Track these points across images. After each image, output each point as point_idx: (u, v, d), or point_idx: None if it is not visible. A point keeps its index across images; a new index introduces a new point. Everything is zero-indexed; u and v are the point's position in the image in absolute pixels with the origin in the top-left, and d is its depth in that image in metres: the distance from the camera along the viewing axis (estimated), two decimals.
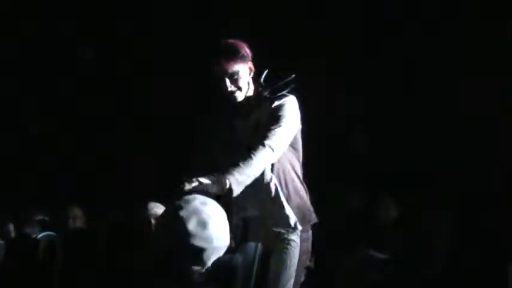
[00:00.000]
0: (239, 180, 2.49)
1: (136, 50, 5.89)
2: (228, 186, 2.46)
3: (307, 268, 2.91)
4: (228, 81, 2.70)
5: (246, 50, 2.76)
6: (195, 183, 2.40)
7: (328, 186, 5.09)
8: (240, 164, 2.52)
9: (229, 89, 2.71)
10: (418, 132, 5.30)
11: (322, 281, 4.54)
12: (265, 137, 2.64)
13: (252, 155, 2.56)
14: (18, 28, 5.85)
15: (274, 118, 2.72)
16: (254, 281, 2.48)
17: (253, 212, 2.75)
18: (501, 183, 4.86)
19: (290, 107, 2.77)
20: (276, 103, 2.75)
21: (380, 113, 5.45)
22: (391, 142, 5.36)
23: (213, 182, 2.43)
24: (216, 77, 2.71)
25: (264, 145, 2.60)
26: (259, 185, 2.70)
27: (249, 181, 2.55)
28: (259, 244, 2.55)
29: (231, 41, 2.77)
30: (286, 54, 5.06)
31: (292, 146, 2.83)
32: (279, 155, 2.69)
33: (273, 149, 2.62)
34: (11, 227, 4.90)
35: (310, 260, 2.99)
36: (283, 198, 2.76)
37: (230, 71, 2.70)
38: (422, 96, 5.30)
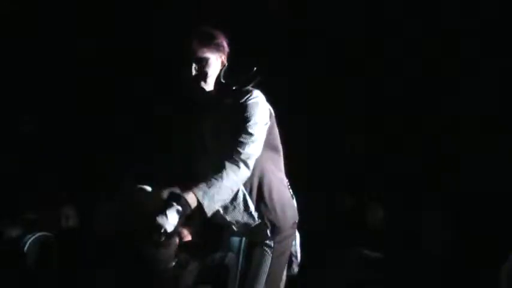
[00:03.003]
0: (212, 199, 2.37)
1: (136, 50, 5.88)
2: (196, 203, 2.34)
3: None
4: (194, 65, 2.54)
5: (223, 42, 2.61)
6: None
7: (322, 187, 5.09)
8: (218, 183, 2.38)
9: (194, 73, 2.53)
10: (412, 132, 5.27)
11: (316, 281, 4.53)
12: (237, 150, 2.47)
13: (227, 174, 2.41)
14: None
15: (242, 121, 2.53)
16: (240, 274, 2.46)
17: (218, 220, 2.58)
18: (497, 183, 4.82)
19: (256, 105, 2.56)
20: (240, 100, 2.56)
21: (375, 112, 5.42)
22: (384, 142, 5.34)
23: (181, 201, 2.32)
24: (184, 62, 2.54)
25: (237, 162, 2.45)
26: None
27: (222, 202, 2.44)
28: (244, 238, 2.52)
29: (209, 28, 2.62)
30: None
31: (268, 143, 2.62)
32: (252, 168, 2.51)
33: (248, 166, 2.48)
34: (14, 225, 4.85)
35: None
36: (251, 207, 2.58)
37: (199, 55, 2.54)
38: (417, 95, 5.28)
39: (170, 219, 2.29)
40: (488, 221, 4.70)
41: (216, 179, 2.39)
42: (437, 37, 5.23)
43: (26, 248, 4.43)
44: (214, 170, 2.42)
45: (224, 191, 2.41)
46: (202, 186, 2.37)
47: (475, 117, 5.09)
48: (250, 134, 2.51)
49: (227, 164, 2.43)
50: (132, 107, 5.92)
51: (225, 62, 2.63)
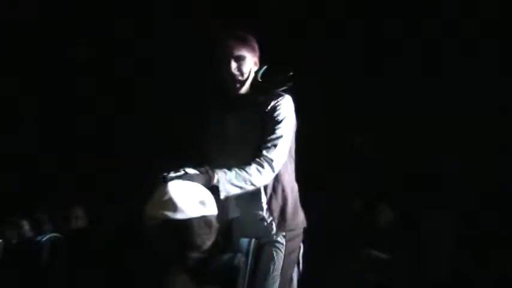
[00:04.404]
0: (229, 182, 2.46)
1: (135, 49, 5.90)
2: (215, 181, 2.42)
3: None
4: (233, 63, 2.65)
5: (255, 43, 2.74)
6: (180, 173, 2.36)
7: (331, 187, 5.10)
8: (238, 171, 2.48)
9: (233, 71, 2.65)
10: (420, 132, 5.27)
11: (324, 282, 4.53)
12: (265, 151, 2.58)
13: (250, 168, 2.51)
14: None
15: (272, 124, 2.65)
16: (249, 276, 2.48)
17: (235, 213, 2.66)
18: (504, 183, 4.81)
19: (286, 110, 2.68)
20: (272, 103, 2.68)
21: (384, 113, 5.41)
22: (394, 142, 5.33)
23: (201, 173, 2.40)
24: (220, 60, 2.66)
25: (263, 162, 2.55)
26: None
27: (238, 190, 2.50)
28: (253, 239, 2.53)
29: (242, 30, 2.76)
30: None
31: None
32: (277, 171, 2.62)
33: (272, 169, 2.57)
34: (26, 225, 4.86)
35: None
36: (263, 200, 2.67)
37: (237, 53, 2.66)
38: (425, 94, 5.27)
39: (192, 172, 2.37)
40: (497, 221, 4.69)
41: (238, 168, 2.49)
42: None
43: (37, 249, 4.45)
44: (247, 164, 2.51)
45: (242, 179, 2.50)
46: (223, 169, 2.46)
47: (479, 116, 5.09)
48: (282, 139, 2.61)
49: (253, 161, 2.53)
50: (139, 106, 5.95)
51: (258, 63, 2.74)
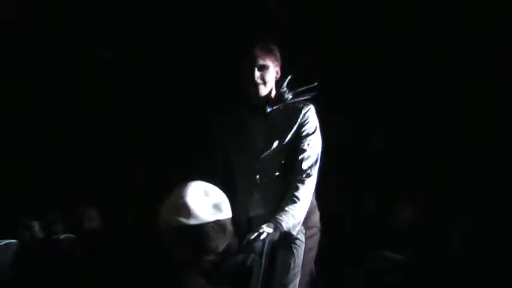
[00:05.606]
0: (295, 224, 2.67)
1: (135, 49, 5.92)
2: (286, 229, 2.63)
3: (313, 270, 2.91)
4: (257, 72, 2.80)
5: (278, 54, 2.88)
6: (263, 234, 2.53)
7: (346, 188, 5.09)
8: (290, 210, 2.67)
9: (256, 79, 2.79)
10: (437, 133, 5.24)
11: (339, 282, 4.51)
12: (306, 169, 2.75)
13: (299, 197, 2.70)
14: None
15: (304, 137, 2.81)
16: (263, 277, 2.49)
17: (258, 211, 2.80)
18: None
19: (314, 120, 2.85)
20: (298, 113, 2.82)
21: (398, 112, 5.39)
22: (409, 142, 5.31)
23: (275, 229, 2.59)
24: (246, 68, 2.81)
25: (303, 180, 2.73)
26: (265, 184, 2.80)
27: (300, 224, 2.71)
28: (267, 240, 2.57)
29: (268, 42, 2.89)
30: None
31: None
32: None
33: (314, 185, 2.77)
34: (36, 226, 4.88)
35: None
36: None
37: (261, 62, 2.81)
38: (441, 97, 5.25)
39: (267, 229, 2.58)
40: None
41: (291, 201, 2.71)
42: None
43: (52, 249, 4.48)
44: (283, 185, 2.76)
45: (301, 212, 2.72)
46: (282, 212, 2.67)
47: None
48: (314, 149, 2.80)
49: (299, 183, 2.74)
50: (150, 108, 5.96)
51: (279, 72, 2.90)
